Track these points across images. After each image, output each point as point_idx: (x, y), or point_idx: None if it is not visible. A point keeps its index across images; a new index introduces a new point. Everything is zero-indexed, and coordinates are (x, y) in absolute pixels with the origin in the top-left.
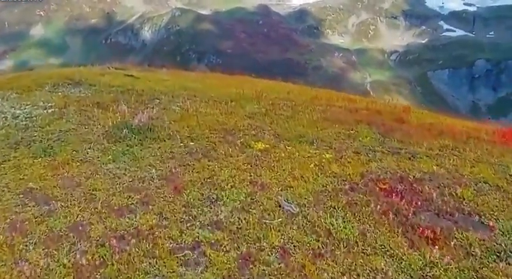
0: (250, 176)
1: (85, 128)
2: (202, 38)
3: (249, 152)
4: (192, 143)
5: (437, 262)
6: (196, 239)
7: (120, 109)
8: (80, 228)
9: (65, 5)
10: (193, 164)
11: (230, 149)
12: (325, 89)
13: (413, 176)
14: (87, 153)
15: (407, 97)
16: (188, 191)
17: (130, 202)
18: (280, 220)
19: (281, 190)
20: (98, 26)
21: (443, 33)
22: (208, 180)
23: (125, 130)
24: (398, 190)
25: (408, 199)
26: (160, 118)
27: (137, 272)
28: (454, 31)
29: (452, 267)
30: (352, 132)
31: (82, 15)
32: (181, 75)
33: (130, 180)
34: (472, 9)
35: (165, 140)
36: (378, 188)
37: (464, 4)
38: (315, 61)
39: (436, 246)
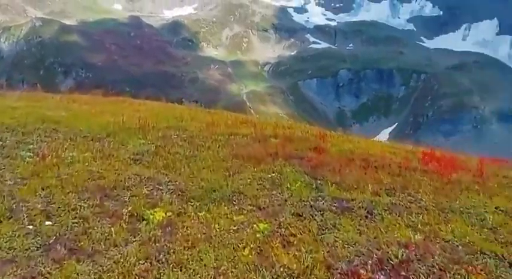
0: None
1: None
2: (68, 50)
3: (144, 233)
4: (48, 223)
5: None
6: None
7: None
8: None
9: None
10: (50, 274)
11: (113, 231)
12: (217, 111)
13: (395, 256)
14: None
15: (281, 106)
16: None
17: None
18: None
19: None
20: None
21: (310, 46)
22: None
23: None
24: None
25: None
26: None
27: None
28: (320, 43)
29: None
30: (274, 174)
31: None
32: (39, 99)
33: None
34: (333, 23)
35: (0, 221)
36: None
37: (326, 19)
38: (191, 73)
39: None
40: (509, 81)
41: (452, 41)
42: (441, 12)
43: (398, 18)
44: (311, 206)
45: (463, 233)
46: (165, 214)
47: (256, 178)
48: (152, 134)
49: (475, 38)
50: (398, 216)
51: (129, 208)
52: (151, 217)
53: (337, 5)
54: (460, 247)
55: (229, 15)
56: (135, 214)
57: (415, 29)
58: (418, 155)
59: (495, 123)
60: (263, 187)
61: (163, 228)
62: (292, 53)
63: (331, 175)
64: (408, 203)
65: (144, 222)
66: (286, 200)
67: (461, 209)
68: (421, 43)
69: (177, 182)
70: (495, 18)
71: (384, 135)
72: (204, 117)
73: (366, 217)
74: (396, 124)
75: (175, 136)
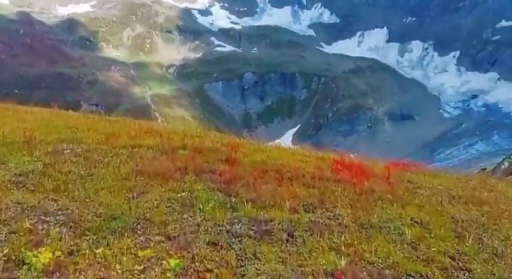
0: None
1: None
2: None
3: None
4: None
5: None
6: None
7: None
8: None
9: None
10: None
11: None
12: (118, 119)
13: None
14: None
15: (187, 108)
16: None
17: None
18: None
19: None
20: None
21: (215, 48)
22: None
23: None
24: None
25: None
26: None
27: None
28: (225, 46)
29: None
30: (184, 194)
31: None
32: None
33: None
34: (237, 27)
35: None
36: None
37: (231, 22)
38: (90, 75)
39: None
40: (398, 84)
41: (348, 47)
42: (338, 20)
43: (300, 24)
44: (227, 232)
45: (386, 252)
46: (53, 254)
47: (164, 199)
48: (40, 149)
49: (368, 44)
50: (320, 237)
51: (5, 250)
52: (34, 260)
53: (242, 9)
54: (387, 271)
55: (131, 15)
56: (13, 258)
57: (315, 35)
58: (330, 163)
59: (387, 123)
60: (173, 210)
61: (49, 275)
62: (198, 55)
63: (245, 191)
64: (328, 220)
65: (25, 267)
66: (199, 225)
67: (380, 223)
68: (320, 48)
69: (69, 210)
70: (385, 27)
71: (288, 136)
72: (104, 127)
73: (287, 240)
74: (299, 125)
75: (69, 151)
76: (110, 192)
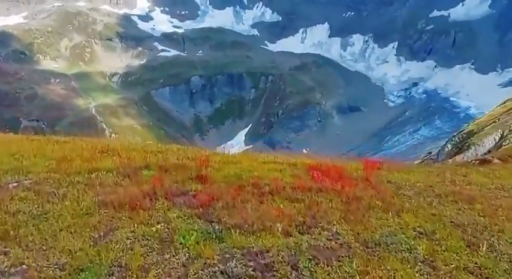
0: None
1: None
2: None
3: None
4: None
5: None
6: None
7: None
8: None
9: None
10: None
11: None
12: (68, 139)
13: None
14: None
15: (135, 117)
16: None
17: None
18: None
19: None
20: None
21: (159, 54)
22: None
23: None
24: None
25: None
26: None
27: None
28: (169, 51)
29: None
30: (160, 226)
31: None
32: None
33: None
34: (180, 31)
35: None
36: None
37: (173, 26)
38: (28, 89)
39: None
40: (343, 78)
41: (292, 44)
42: (280, 18)
43: (243, 24)
44: (222, 273)
45: (407, 278)
46: None
47: (138, 236)
48: None
49: (311, 40)
50: (328, 265)
51: None
52: None
53: (183, 12)
54: None
55: (67, 24)
56: None
57: (258, 34)
58: (305, 169)
59: (336, 116)
60: (150, 250)
61: None
62: (142, 62)
63: (227, 214)
64: (328, 242)
65: None
66: (186, 266)
67: (384, 239)
68: (265, 47)
69: (25, 265)
70: (326, 22)
71: (240, 137)
72: (52, 151)
73: (291, 273)
74: (251, 125)
75: (15, 185)
76: (71, 233)
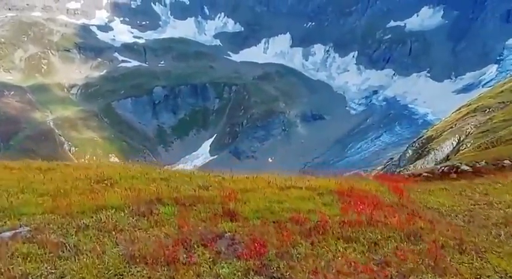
0: None
1: None
2: None
3: None
4: None
5: None
6: None
7: None
8: None
9: None
10: None
11: None
12: (50, 164)
13: None
14: None
15: (95, 129)
16: None
17: None
18: None
19: None
20: None
21: (120, 64)
22: None
23: None
24: None
25: None
26: None
27: None
28: (130, 62)
29: None
30: None
31: None
32: None
33: None
34: (141, 41)
35: None
36: None
37: (133, 37)
38: None
39: None
40: (306, 87)
41: (255, 54)
42: (242, 28)
43: (205, 34)
44: None
45: None
46: None
47: None
48: None
49: (273, 50)
50: None
51: None
52: None
53: (143, 23)
54: None
55: (21, 35)
56: None
57: (221, 44)
58: (334, 195)
59: (300, 125)
60: None
61: None
62: (101, 73)
63: (288, 267)
64: None
65: None
66: None
67: None
68: (228, 57)
69: None
70: (287, 32)
71: (205, 147)
72: (41, 182)
73: None
74: (215, 135)
75: (10, 235)
76: None
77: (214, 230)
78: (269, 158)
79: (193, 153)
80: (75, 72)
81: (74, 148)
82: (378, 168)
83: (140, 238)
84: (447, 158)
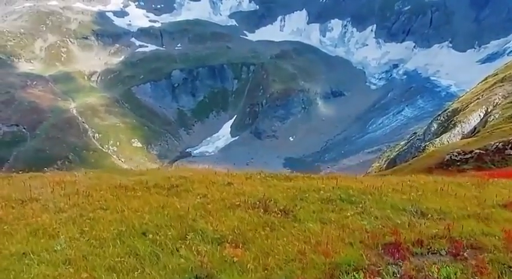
0: None
1: None
2: None
3: None
4: None
5: None
6: None
7: None
8: None
9: None
10: None
11: None
12: (92, 174)
13: None
14: None
15: (117, 115)
16: None
17: None
18: None
19: None
20: None
21: (138, 49)
22: None
23: None
24: None
25: None
26: None
27: None
28: (147, 46)
29: None
30: None
31: None
32: None
33: None
34: (157, 25)
35: None
36: None
37: (149, 21)
38: (4, 94)
39: None
40: (324, 63)
41: (271, 32)
42: (257, 7)
43: (220, 15)
44: None
45: None
46: None
47: None
48: None
49: (290, 27)
50: None
51: None
52: None
53: (158, 6)
54: None
55: (40, 25)
56: None
57: (237, 24)
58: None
59: (320, 102)
60: None
61: None
62: (120, 59)
63: None
64: None
65: None
66: None
67: None
68: (244, 37)
69: None
70: (303, 9)
71: (226, 128)
72: (88, 209)
73: None
74: (236, 116)
75: None
76: None
77: None
78: (290, 137)
79: (215, 135)
80: (94, 59)
81: (97, 135)
82: (401, 143)
83: None
84: (475, 130)
